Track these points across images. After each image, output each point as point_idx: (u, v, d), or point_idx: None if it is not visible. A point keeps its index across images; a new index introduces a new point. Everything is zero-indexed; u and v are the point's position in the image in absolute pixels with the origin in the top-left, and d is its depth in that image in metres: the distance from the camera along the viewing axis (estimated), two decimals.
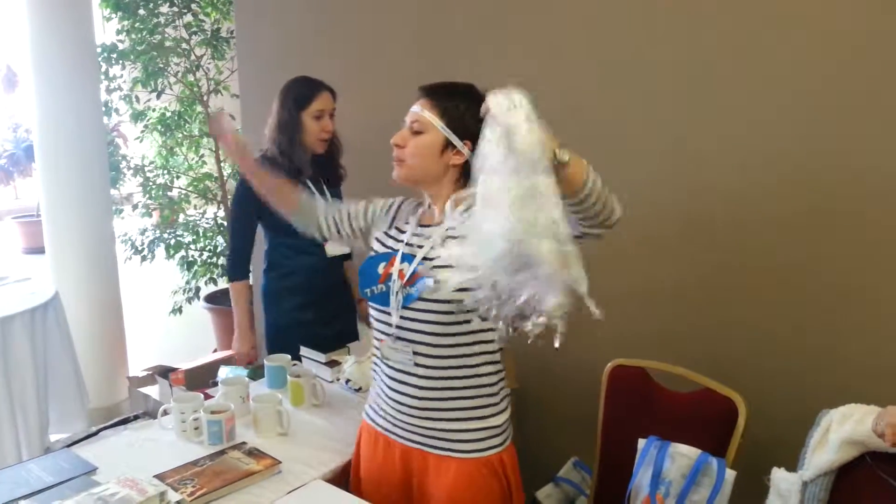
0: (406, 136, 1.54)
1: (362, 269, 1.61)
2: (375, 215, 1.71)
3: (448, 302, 1.48)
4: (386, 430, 1.65)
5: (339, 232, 1.75)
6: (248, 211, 2.40)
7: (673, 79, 2.08)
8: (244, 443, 1.83)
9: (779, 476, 1.64)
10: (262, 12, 3.28)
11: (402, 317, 1.53)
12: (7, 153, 8.71)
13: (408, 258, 1.54)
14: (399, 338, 1.55)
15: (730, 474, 1.69)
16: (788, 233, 1.95)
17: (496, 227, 1.15)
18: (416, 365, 1.54)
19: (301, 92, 2.38)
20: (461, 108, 1.52)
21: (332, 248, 2.45)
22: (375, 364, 1.67)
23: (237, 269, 2.52)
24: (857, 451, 1.56)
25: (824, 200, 1.88)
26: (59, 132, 3.64)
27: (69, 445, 1.94)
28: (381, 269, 1.57)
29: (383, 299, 1.56)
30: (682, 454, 1.74)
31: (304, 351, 2.41)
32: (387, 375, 1.61)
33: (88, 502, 1.48)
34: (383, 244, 1.64)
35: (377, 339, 1.61)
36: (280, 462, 1.74)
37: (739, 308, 2.05)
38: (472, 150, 1.46)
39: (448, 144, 1.52)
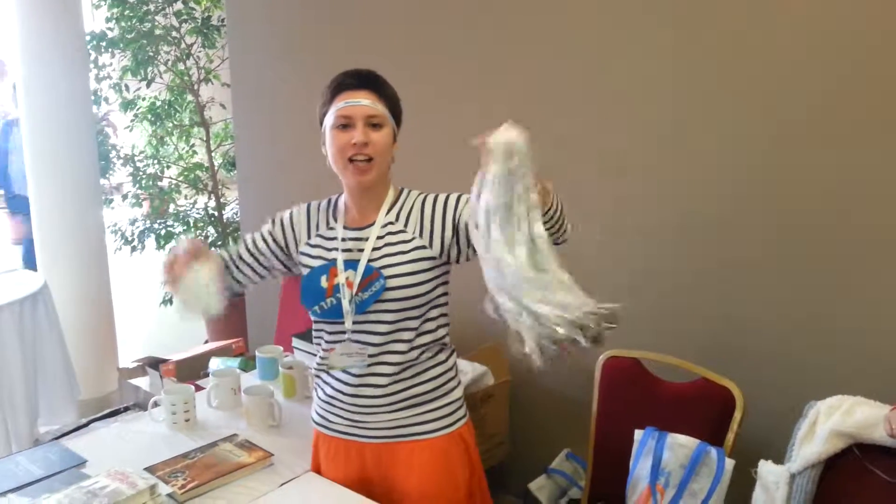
0: (368, 132, 1.48)
1: (305, 286, 1.55)
2: (287, 240, 1.63)
3: (402, 300, 1.50)
4: (351, 434, 1.61)
5: (257, 280, 1.68)
6: None
7: (673, 70, 2.08)
8: (235, 435, 1.82)
9: (766, 469, 1.65)
10: (253, 0, 3.25)
11: (355, 321, 1.52)
12: None
13: (351, 265, 1.52)
14: (354, 341, 1.54)
15: (729, 463, 1.70)
16: (782, 226, 1.95)
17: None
18: (380, 364, 1.54)
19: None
20: (395, 96, 1.53)
21: None
22: (322, 373, 1.62)
23: None
24: (845, 443, 1.57)
25: (821, 195, 1.88)
26: (48, 121, 3.59)
27: (58, 438, 1.94)
28: (323, 281, 1.53)
29: (335, 312, 1.52)
30: (681, 444, 1.74)
31: (296, 342, 2.41)
32: (343, 381, 1.58)
33: (78, 496, 1.47)
34: (315, 256, 1.58)
35: (325, 350, 1.58)
36: (272, 454, 1.73)
37: (733, 299, 2.05)
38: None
39: (394, 133, 1.53)
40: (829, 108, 1.83)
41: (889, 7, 1.72)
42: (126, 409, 2.34)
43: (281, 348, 2.33)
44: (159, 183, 4.88)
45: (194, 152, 5.02)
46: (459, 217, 1.50)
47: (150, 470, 1.64)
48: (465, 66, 2.49)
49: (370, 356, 1.53)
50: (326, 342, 1.58)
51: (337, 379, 1.59)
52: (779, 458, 1.66)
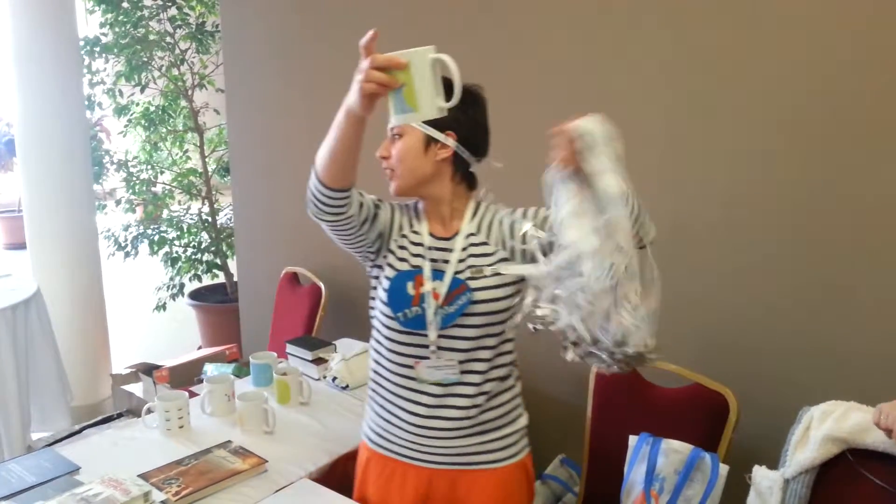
0: (389, 146, 1.45)
1: (392, 288, 1.47)
2: (391, 218, 1.53)
3: (485, 314, 1.45)
4: (413, 458, 1.53)
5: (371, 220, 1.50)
6: None
7: (673, 71, 2.08)
8: (229, 441, 1.82)
9: (760, 474, 1.65)
10: (247, 6, 3.25)
11: (440, 336, 1.45)
12: None
13: (437, 275, 1.45)
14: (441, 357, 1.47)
15: (723, 469, 1.70)
16: (777, 231, 1.96)
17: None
18: (461, 384, 1.46)
19: None
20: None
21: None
22: (383, 390, 1.54)
23: None
24: (838, 448, 1.58)
25: (816, 199, 1.88)
26: (41, 126, 3.59)
27: (51, 444, 1.93)
28: (410, 288, 1.46)
29: (418, 322, 1.45)
30: (675, 450, 1.74)
31: (290, 348, 2.41)
32: (417, 402, 1.49)
33: (71, 503, 1.47)
34: (400, 258, 1.50)
35: (408, 359, 1.48)
36: (266, 461, 1.73)
37: (727, 304, 2.06)
38: (458, 139, 1.45)
39: (430, 140, 1.44)
40: (829, 110, 1.84)
41: (891, 8, 1.73)
42: (119, 415, 2.33)
43: (275, 354, 2.32)
44: (153, 188, 4.87)
45: (188, 158, 5.02)
46: (539, 224, 1.44)
47: (144, 477, 1.63)
48: (462, 68, 2.49)
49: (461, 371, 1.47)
50: (403, 355, 1.49)
51: (409, 400, 1.50)
52: (773, 464, 1.66)
